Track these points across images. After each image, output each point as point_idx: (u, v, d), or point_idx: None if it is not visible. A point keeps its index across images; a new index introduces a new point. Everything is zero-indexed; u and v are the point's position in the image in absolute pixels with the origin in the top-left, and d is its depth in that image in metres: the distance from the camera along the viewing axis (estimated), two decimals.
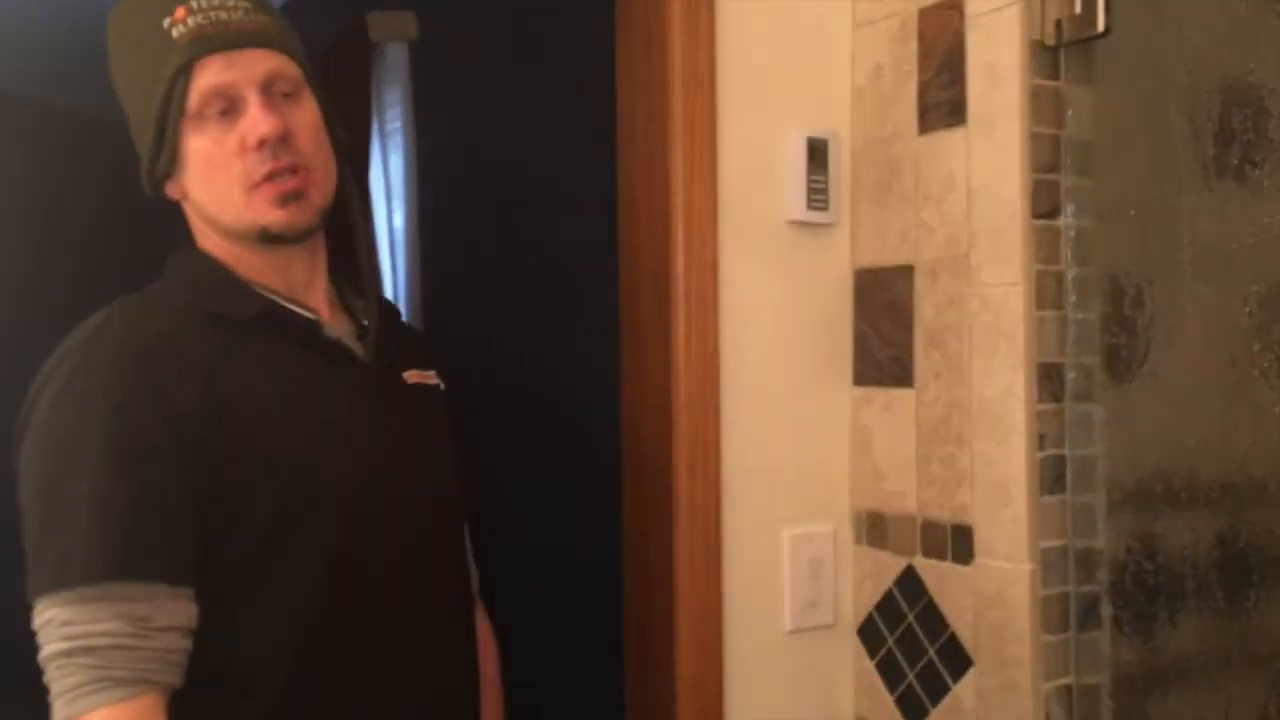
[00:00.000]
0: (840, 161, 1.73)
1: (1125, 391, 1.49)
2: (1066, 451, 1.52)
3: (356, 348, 1.30)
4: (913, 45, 1.65)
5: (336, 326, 1.31)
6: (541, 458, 1.84)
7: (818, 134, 1.70)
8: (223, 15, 1.18)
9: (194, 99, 1.18)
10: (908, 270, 1.66)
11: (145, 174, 1.24)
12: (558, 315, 1.83)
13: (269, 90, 1.20)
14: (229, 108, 1.18)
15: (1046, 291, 1.51)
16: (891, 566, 1.69)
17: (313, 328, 1.26)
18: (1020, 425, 1.50)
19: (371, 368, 1.28)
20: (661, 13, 1.60)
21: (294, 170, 1.19)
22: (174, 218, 1.29)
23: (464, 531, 1.38)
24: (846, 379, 1.75)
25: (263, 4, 1.24)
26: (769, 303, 1.68)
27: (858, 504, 1.74)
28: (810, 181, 1.69)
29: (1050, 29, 1.51)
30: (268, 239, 1.21)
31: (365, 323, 1.32)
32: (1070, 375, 1.52)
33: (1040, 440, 1.50)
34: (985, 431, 1.54)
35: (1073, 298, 1.52)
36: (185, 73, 1.18)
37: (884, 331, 1.70)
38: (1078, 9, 1.49)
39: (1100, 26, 1.47)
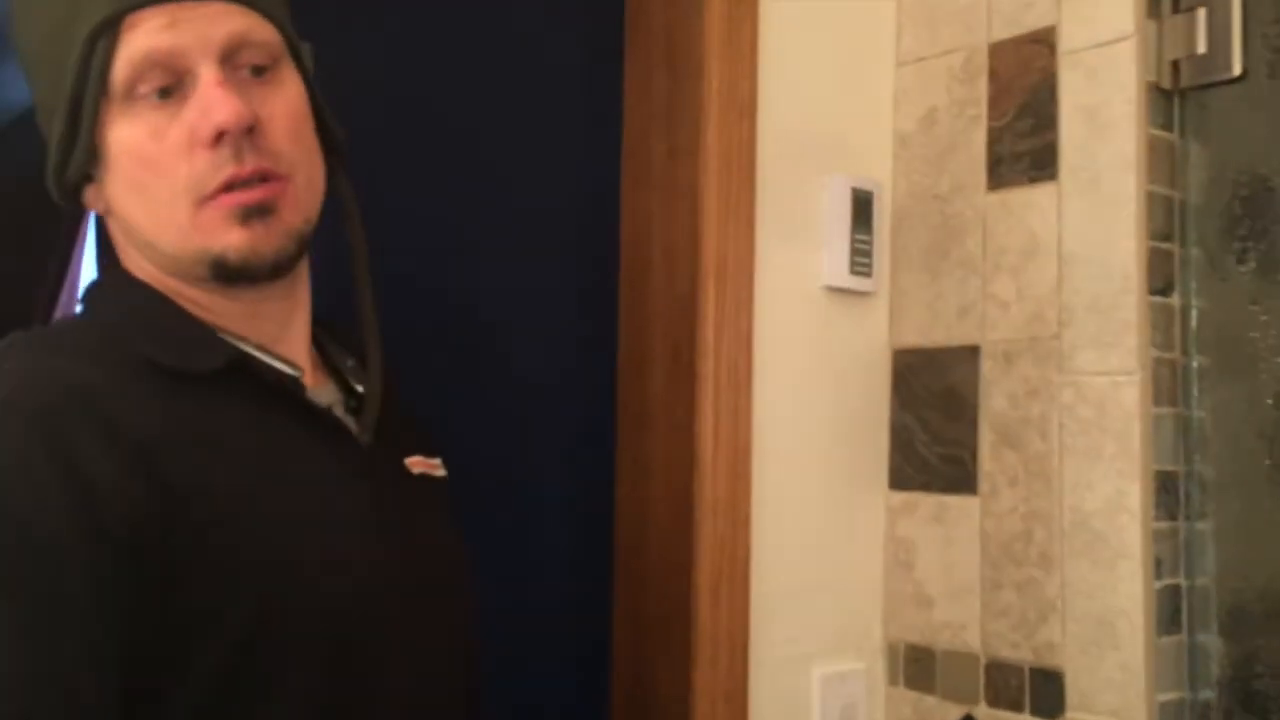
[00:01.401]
0: (882, 220, 1.44)
1: (1239, 504, 1.22)
2: (1182, 581, 1.24)
3: (348, 422, 0.92)
4: (981, 85, 1.38)
5: (322, 391, 0.93)
6: (501, 572, 1.46)
7: (863, 185, 1.41)
8: None
9: (121, 70, 0.80)
10: (970, 352, 1.37)
11: (53, 175, 0.86)
12: (514, 399, 1.47)
13: (232, 62, 0.82)
14: (173, 85, 0.81)
15: (1162, 383, 1.24)
16: (941, 717, 1.37)
17: (295, 389, 0.88)
18: (1134, 547, 1.21)
19: (369, 449, 0.90)
20: (695, 22, 1.29)
21: (264, 177, 0.82)
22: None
23: (478, 675, 0.99)
24: (881, 482, 1.44)
25: None
26: (802, 386, 1.36)
27: (893, 635, 1.42)
28: (854, 241, 1.40)
29: (1165, 70, 1.27)
30: (224, 273, 0.83)
31: (360, 388, 0.94)
32: (1184, 486, 1.25)
33: (1157, 566, 1.22)
34: (1082, 552, 1.25)
35: (1195, 392, 1.25)
36: (109, 32, 0.80)
37: (935, 425, 1.40)
38: (1201, 48, 1.25)
39: (1236, 69, 1.23)
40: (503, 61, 1.43)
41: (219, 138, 0.80)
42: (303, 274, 0.91)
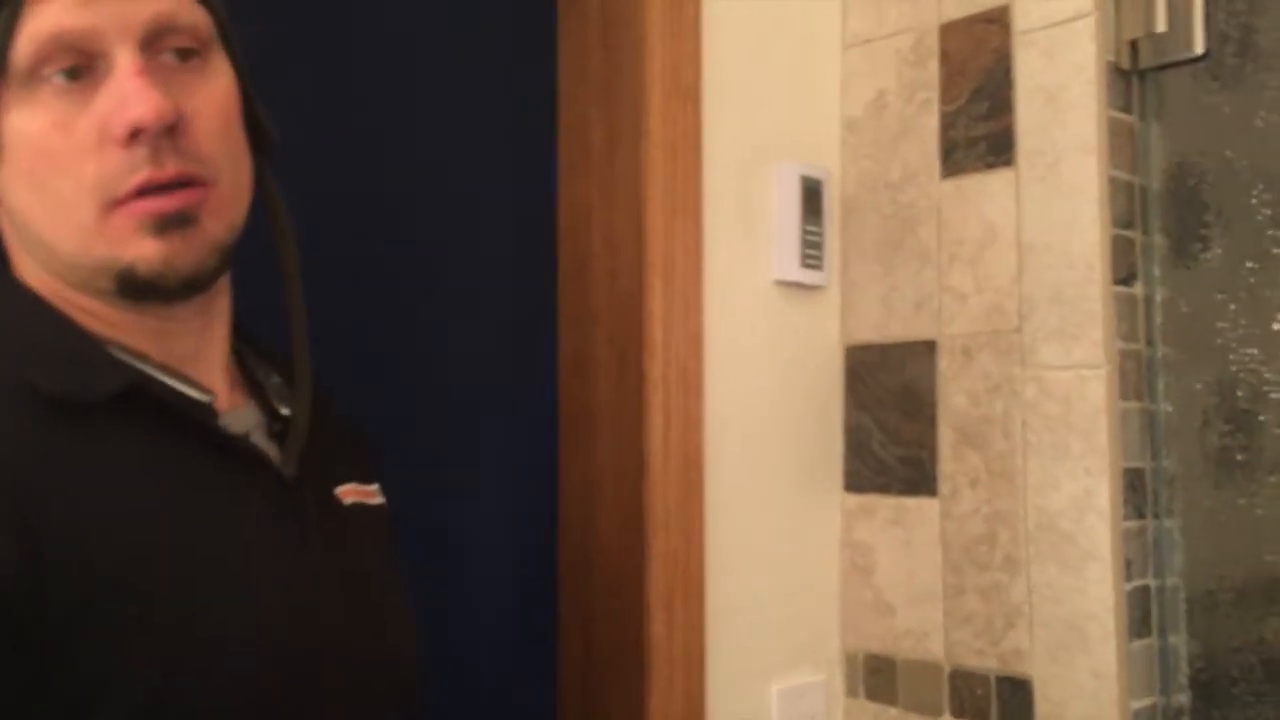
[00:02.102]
0: (832, 209, 1.38)
1: (1205, 500, 1.18)
2: (1151, 581, 1.20)
3: (270, 450, 0.81)
4: (933, 68, 1.32)
5: (240, 415, 0.82)
6: (438, 596, 1.37)
7: (813, 173, 1.34)
8: None
9: (23, 48, 0.69)
10: (927, 347, 1.31)
11: None
12: (441, 404, 1.37)
13: (155, 46, 0.72)
14: (83, 68, 0.70)
15: (1128, 376, 1.19)
16: None
17: (205, 416, 0.77)
18: (1103, 548, 1.16)
19: (294, 481, 0.80)
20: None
21: (185, 182, 0.72)
22: None
23: (418, 715, 0.89)
24: (837, 485, 1.38)
25: None
26: (753, 387, 1.29)
27: (852, 645, 1.36)
28: (805, 232, 1.33)
29: (1124, 49, 1.22)
30: (131, 287, 0.72)
31: (286, 412, 0.83)
32: (1152, 483, 1.20)
33: (1127, 567, 1.17)
34: (1049, 555, 1.20)
35: (1161, 385, 1.20)
36: (11, 3, 0.70)
37: (891, 424, 1.34)
38: (1160, 26, 1.20)
39: (1199, 47, 1.18)
40: (429, 46, 1.33)
41: (136, 134, 0.69)
42: (223, 285, 0.80)
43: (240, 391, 0.84)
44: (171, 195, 0.71)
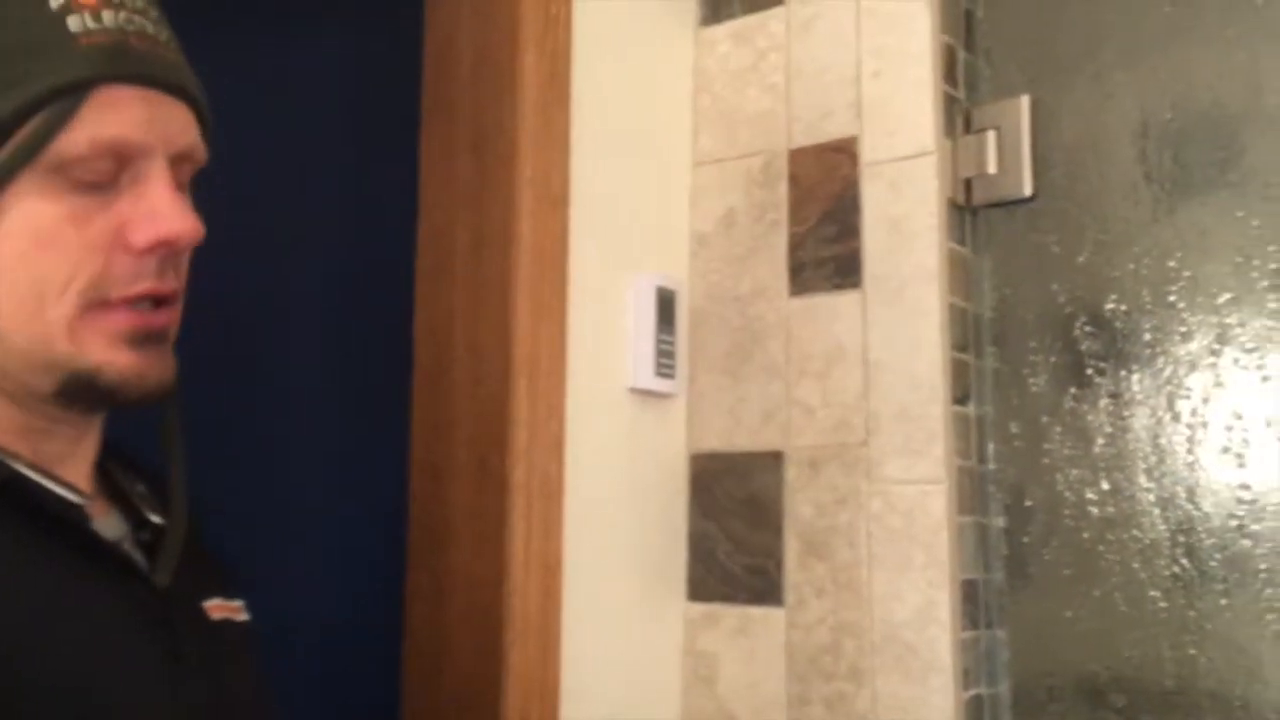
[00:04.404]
0: (682, 321, 1.41)
1: (1033, 611, 1.25)
2: (984, 690, 1.25)
3: (137, 558, 0.76)
4: (782, 190, 1.38)
5: (109, 522, 0.76)
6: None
7: (668, 284, 1.37)
8: (148, 26, 0.71)
9: (73, 147, 0.68)
10: (774, 458, 1.35)
11: None
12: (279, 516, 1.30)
13: (175, 170, 0.73)
14: (111, 178, 0.70)
15: (965, 492, 1.26)
16: None
17: (79, 519, 0.71)
18: (944, 658, 1.21)
19: (166, 593, 0.75)
20: (506, 107, 1.21)
21: (172, 300, 0.74)
22: None
23: None
24: (681, 594, 1.39)
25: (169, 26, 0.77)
26: (608, 494, 1.29)
27: None
28: (659, 341, 1.35)
29: (960, 186, 1.31)
30: (78, 390, 0.71)
31: (156, 520, 0.78)
32: (983, 594, 1.27)
33: (965, 677, 1.22)
34: (893, 665, 1.23)
35: (996, 500, 1.27)
36: (77, 96, 0.68)
37: (737, 534, 1.36)
38: (992, 168, 1.30)
39: (1027, 190, 1.28)
40: (281, 143, 1.29)
41: (158, 249, 0.71)
42: None
43: (104, 499, 0.79)
44: (159, 312, 0.72)
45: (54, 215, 0.68)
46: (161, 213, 0.71)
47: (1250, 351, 1.16)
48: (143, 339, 0.71)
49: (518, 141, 1.20)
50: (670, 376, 1.36)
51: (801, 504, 1.32)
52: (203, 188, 0.79)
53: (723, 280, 1.41)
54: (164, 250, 0.71)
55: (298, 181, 1.32)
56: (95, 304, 0.70)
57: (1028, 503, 1.26)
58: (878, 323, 1.29)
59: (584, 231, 1.26)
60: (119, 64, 0.69)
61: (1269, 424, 1.14)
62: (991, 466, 1.29)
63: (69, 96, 0.68)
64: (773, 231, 1.38)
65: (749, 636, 1.33)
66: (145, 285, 0.71)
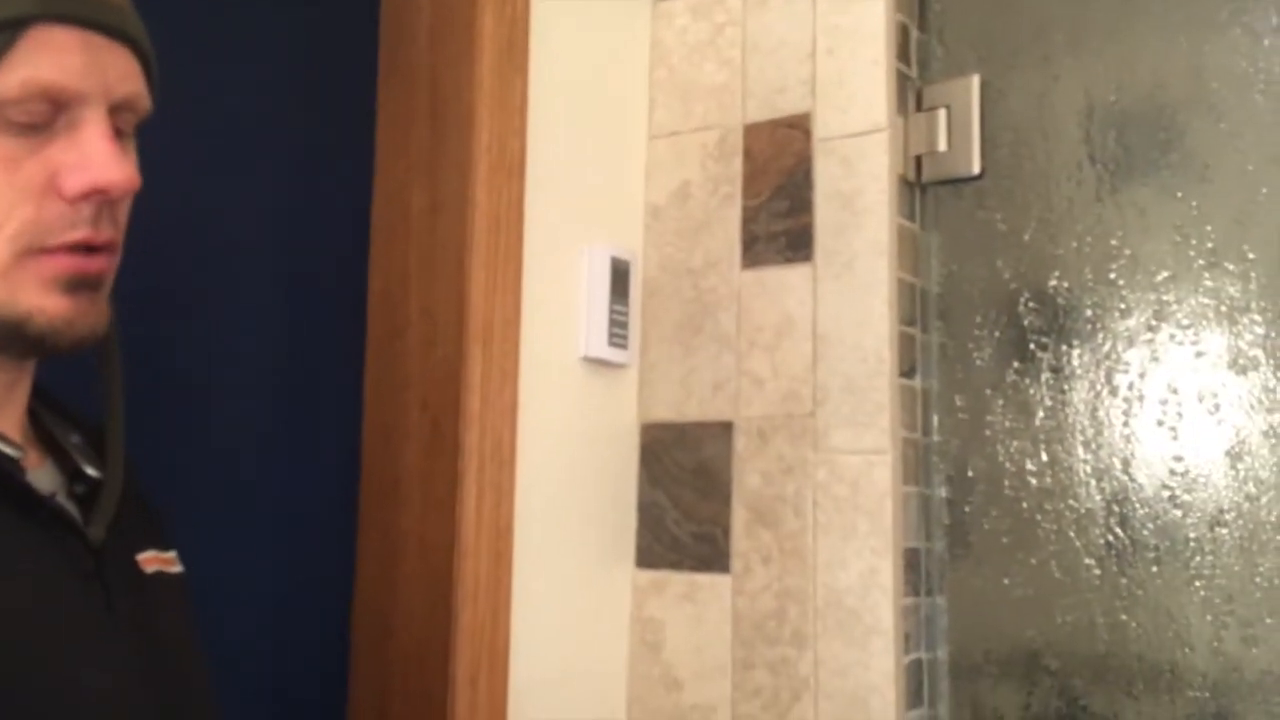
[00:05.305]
0: (635, 292, 1.42)
1: (972, 578, 1.29)
2: (923, 655, 1.28)
3: (71, 511, 0.75)
4: (736, 164, 1.40)
5: (42, 474, 0.76)
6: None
7: (622, 254, 1.38)
8: None
9: (10, 86, 0.67)
10: (723, 428, 1.37)
11: None
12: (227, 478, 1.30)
13: (114, 117, 0.72)
14: (46, 121, 0.69)
15: (908, 463, 1.28)
16: None
17: (11, 470, 0.71)
18: (886, 623, 1.24)
19: (101, 548, 0.74)
20: (464, 73, 1.21)
21: (107, 249, 0.73)
22: None
23: None
24: (629, 560, 1.40)
25: None
26: (559, 461, 1.30)
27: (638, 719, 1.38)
28: (612, 311, 1.36)
29: (910, 163, 1.34)
30: (9, 339, 0.70)
31: (92, 472, 0.78)
32: (925, 563, 1.30)
33: (906, 641, 1.25)
34: (835, 630, 1.26)
35: (939, 470, 1.30)
36: (9, 34, 0.67)
37: (686, 502, 1.38)
38: (942, 145, 1.33)
39: (975, 169, 1.31)
40: (233, 104, 1.29)
41: (91, 196, 0.70)
42: None
43: (38, 449, 0.79)
44: (94, 258, 0.71)
45: None
46: (95, 161, 0.70)
47: (1186, 328, 1.20)
48: (76, 284, 0.71)
49: (475, 107, 1.20)
50: (623, 347, 1.38)
51: (750, 473, 1.34)
52: (150, 141, 0.79)
53: (676, 252, 1.43)
54: (97, 198, 0.70)
55: (252, 140, 1.31)
56: (30, 250, 0.69)
57: (969, 473, 1.29)
58: (827, 296, 1.32)
59: (540, 201, 1.27)
60: (57, 3, 0.69)
61: (1201, 399, 1.18)
62: (935, 438, 1.32)
63: (3, 34, 0.67)
64: (726, 205, 1.40)
65: (695, 603, 1.36)
66: (81, 233, 0.70)
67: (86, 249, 0.71)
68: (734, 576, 1.34)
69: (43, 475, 0.76)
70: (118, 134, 0.73)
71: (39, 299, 0.69)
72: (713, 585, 1.35)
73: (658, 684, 1.37)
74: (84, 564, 0.73)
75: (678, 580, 1.37)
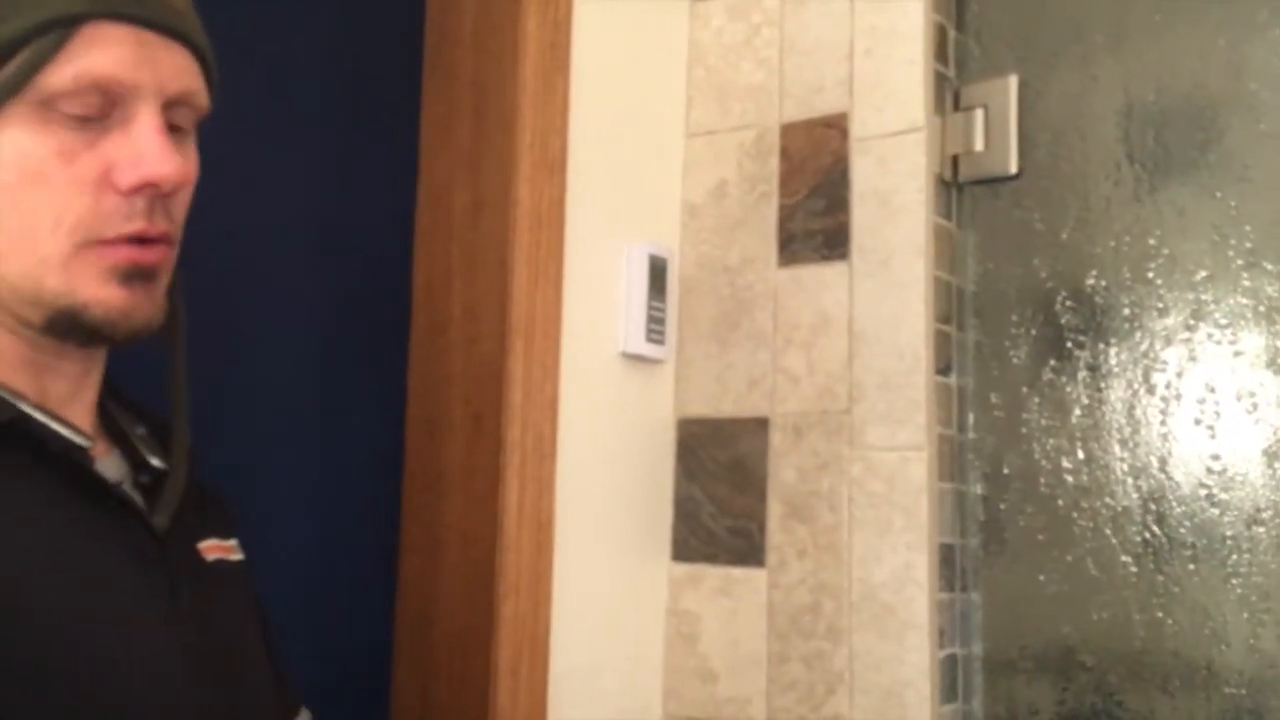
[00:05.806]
0: (672, 288, 1.44)
1: (1007, 575, 1.30)
2: (958, 650, 1.29)
3: (136, 500, 0.78)
4: (773, 163, 1.41)
5: (110, 463, 0.78)
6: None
7: (660, 252, 1.40)
8: None
9: (59, 82, 0.69)
10: (759, 424, 1.38)
11: None
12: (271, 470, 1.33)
13: (170, 113, 0.74)
14: (101, 114, 0.71)
15: (944, 460, 1.30)
16: None
17: (83, 460, 0.73)
18: (921, 618, 1.25)
19: (165, 537, 0.77)
20: (508, 72, 1.23)
21: (162, 241, 0.75)
22: None
23: None
24: (665, 554, 1.42)
25: None
26: (598, 455, 1.32)
27: (673, 711, 1.39)
28: (650, 308, 1.38)
29: (947, 163, 1.35)
30: (68, 326, 0.72)
31: (157, 463, 0.80)
32: (960, 559, 1.31)
33: (940, 637, 1.26)
34: (870, 624, 1.28)
35: (974, 467, 1.31)
36: (65, 30, 0.69)
37: (721, 497, 1.39)
38: (979, 145, 1.34)
39: (1013, 168, 1.32)
40: (278, 107, 1.31)
41: (144, 190, 0.72)
42: None
43: (106, 440, 0.82)
44: (151, 250, 0.73)
45: (41, 149, 0.70)
46: (146, 155, 0.71)
47: (1224, 327, 1.20)
48: (132, 275, 0.72)
49: (518, 106, 1.22)
50: (660, 343, 1.39)
51: (785, 469, 1.36)
52: (208, 139, 0.81)
53: (713, 250, 1.44)
54: (149, 192, 0.72)
55: (298, 139, 1.34)
56: (89, 242, 0.71)
57: (1005, 471, 1.30)
58: (863, 294, 1.33)
59: (580, 198, 1.29)
60: (111, 1, 0.70)
61: (1239, 398, 1.19)
62: (971, 435, 1.33)
63: (58, 30, 0.69)
64: (763, 203, 1.41)
65: (731, 596, 1.37)
66: (137, 226, 0.72)
67: (142, 241, 0.72)
68: (769, 570, 1.35)
69: (110, 464, 0.79)
70: (174, 130, 0.75)
71: (97, 289, 0.71)
72: (748, 579, 1.36)
73: (693, 676, 1.38)
74: (149, 551, 0.76)
75: (713, 574, 1.39)
